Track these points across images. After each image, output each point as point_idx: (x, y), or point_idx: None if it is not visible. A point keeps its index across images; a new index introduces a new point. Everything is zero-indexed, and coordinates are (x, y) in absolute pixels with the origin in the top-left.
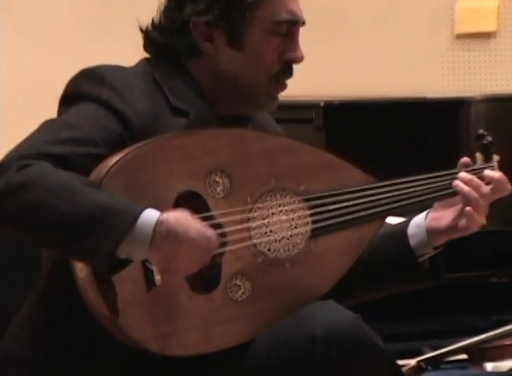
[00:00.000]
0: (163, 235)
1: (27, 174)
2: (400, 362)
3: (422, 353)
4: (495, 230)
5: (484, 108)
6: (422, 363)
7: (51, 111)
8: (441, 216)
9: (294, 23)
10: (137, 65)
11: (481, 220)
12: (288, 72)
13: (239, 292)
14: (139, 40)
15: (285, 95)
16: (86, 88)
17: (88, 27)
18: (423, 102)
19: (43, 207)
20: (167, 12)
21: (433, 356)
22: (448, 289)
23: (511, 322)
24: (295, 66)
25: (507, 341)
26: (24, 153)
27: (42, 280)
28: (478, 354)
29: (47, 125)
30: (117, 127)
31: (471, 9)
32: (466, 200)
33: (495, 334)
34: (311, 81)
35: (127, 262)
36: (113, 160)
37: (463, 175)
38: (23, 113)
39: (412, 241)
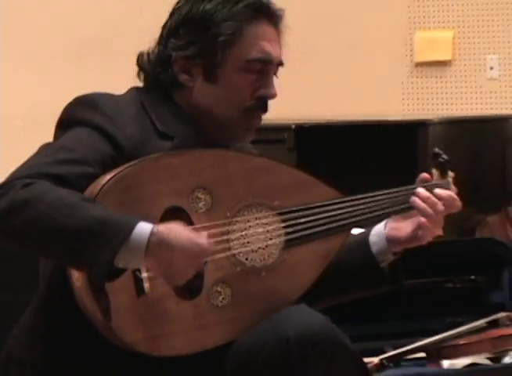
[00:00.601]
0: (156, 244)
1: (30, 191)
2: (364, 359)
3: (384, 352)
4: (450, 240)
5: (441, 129)
6: (384, 361)
7: (49, 134)
8: (399, 226)
9: (267, 62)
10: (126, 93)
11: (436, 232)
12: (262, 107)
13: (220, 298)
14: (132, 71)
15: None
16: (80, 114)
17: (84, 56)
18: (385, 124)
19: (46, 221)
20: (155, 46)
21: (394, 355)
22: (408, 294)
23: (465, 323)
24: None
25: (462, 341)
26: (26, 173)
27: (42, 289)
28: (436, 352)
29: (45, 149)
30: (109, 149)
31: (429, 39)
32: (423, 215)
33: (451, 335)
34: (284, 105)
35: (121, 272)
36: (106, 178)
37: (420, 191)
38: (22, 136)
39: (374, 249)
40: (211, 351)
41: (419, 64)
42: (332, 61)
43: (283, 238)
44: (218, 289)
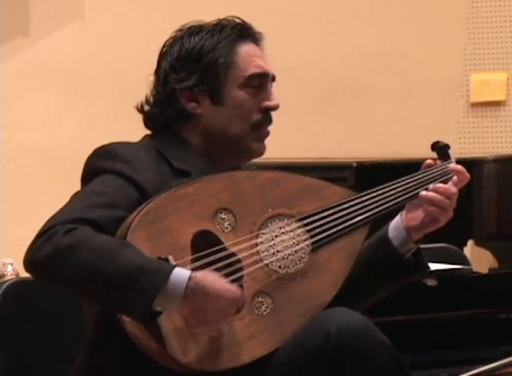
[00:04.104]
0: (193, 289)
1: (73, 237)
2: None
3: None
4: (504, 273)
5: (495, 167)
6: None
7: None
8: (414, 216)
9: (264, 76)
10: (141, 141)
11: (450, 213)
12: (268, 119)
13: (263, 307)
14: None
15: (322, 157)
16: (101, 164)
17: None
18: None
19: (88, 267)
20: (155, 87)
21: None
22: (462, 323)
23: None
24: (338, 133)
25: None
26: (64, 219)
27: (89, 334)
28: None
29: (77, 195)
30: (133, 192)
31: (484, 81)
32: (434, 204)
33: (504, 363)
34: (345, 144)
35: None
36: (131, 217)
37: (430, 186)
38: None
39: (395, 242)
40: (260, 360)
41: (474, 105)
42: (391, 103)
43: (309, 241)
44: (260, 299)
